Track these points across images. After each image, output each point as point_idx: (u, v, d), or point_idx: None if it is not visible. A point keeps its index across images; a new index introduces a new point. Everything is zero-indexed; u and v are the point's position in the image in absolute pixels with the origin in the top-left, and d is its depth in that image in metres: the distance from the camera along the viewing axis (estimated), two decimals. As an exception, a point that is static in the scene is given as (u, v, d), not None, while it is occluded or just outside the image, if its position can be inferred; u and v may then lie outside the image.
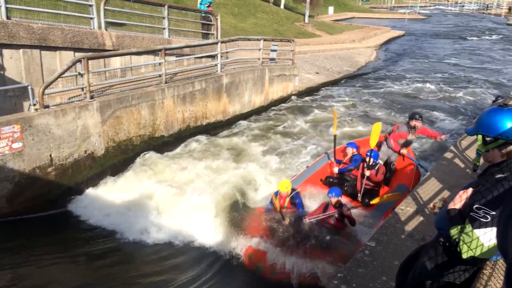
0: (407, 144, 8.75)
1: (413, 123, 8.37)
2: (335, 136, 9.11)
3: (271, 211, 7.10)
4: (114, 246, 7.37)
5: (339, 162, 8.63)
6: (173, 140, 10.98)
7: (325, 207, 6.90)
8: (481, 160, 7.31)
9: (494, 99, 13.29)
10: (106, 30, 10.70)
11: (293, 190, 7.24)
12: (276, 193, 7.19)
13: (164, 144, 10.71)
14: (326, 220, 6.74)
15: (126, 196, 8.53)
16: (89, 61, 8.66)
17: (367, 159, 7.93)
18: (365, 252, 4.97)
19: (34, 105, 7.75)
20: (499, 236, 0.86)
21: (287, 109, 15.01)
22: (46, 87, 7.89)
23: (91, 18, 10.45)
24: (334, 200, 6.76)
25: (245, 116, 13.70)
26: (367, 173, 7.76)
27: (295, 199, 7.14)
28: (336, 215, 6.72)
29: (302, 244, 6.35)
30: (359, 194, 7.85)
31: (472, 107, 16.34)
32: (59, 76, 8.18)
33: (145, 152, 9.95)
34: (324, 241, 6.40)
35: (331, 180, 8.32)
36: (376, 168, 7.88)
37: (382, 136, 8.86)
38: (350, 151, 8.55)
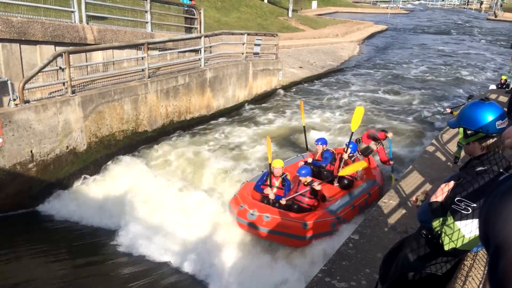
0: (365, 150, 8.71)
1: (380, 135, 8.53)
2: (304, 127, 9.47)
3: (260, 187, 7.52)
4: (96, 243, 7.32)
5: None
6: (157, 135, 10.90)
7: (298, 185, 7.29)
8: (462, 153, 7.46)
9: (467, 98, 13.56)
10: (87, 24, 10.54)
11: (283, 173, 7.56)
12: (267, 173, 7.53)
13: (148, 139, 10.63)
14: (300, 199, 7.16)
15: (108, 192, 8.46)
16: (71, 55, 8.54)
17: (345, 148, 8.15)
18: (349, 245, 5.03)
19: (14, 100, 7.61)
20: (480, 227, 0.88)
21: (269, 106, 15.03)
22: (26, 82, 7.75)
23: (72, 12, 10.27)
24: (303, 179, 7.18)
25: (229, 110, 13.68)
26: (345, 156, 7.99)
27: (285, 181, 7.49)
28: (308, 193, 7.14)
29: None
30: (335, 180, 7.99)
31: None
32: (39, 71, 8.05)
33: (129, 147, 9.87)
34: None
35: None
36: (352, 159, 8.17)
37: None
38: (320, 148, 8.65)
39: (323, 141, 8.75)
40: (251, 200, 7.15)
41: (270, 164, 7.46)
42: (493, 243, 0.77)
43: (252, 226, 6.71)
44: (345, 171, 7.73)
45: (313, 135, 11.10)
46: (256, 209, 6.74)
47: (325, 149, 8.62)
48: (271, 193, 7.22)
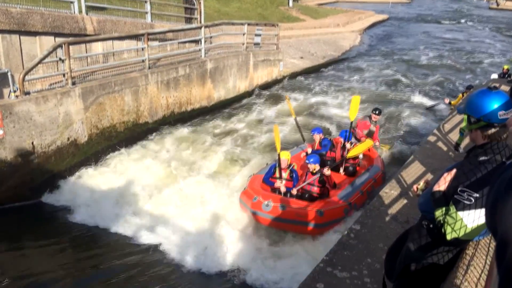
0: (370, 134, 9.13)
1: (373, 117, 9.16)
2: (295, 119, 9.70)
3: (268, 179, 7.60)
4: (98, 234, 7.32)
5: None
6: (158, 127, 10.89)
7: (306, 175, 7.37)
8: (465, 142, 7.43)
9: (466, 88, 13.50)
10: (87, 14, 10.46)
11: (290, 164, 7.66)
12: (274, 165, 7.62)
13: (149, 130, 10.62)
14: (310, 188, 7.25)
15: (110, 183, 8.45)
16: (70, 46, 8.50)
17: (346, 134, 8.46)
18: (350, 235, 5.03)
19: (15, 91, 7.58)
20: (487, 214, 0.87)
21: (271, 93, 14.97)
22: (26, 73, 7.72)
23: (71, 2, 10.18)
24: (311, 166, 7.25)
25: (230, 101, 13.64)
26: (348, 145, 8.26)
27: (293, 173, 7.57)
28: (316, 181, 7.22)
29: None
30: (341, 168, 8.21)
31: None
32: (39, 62, 8.01)
33: (130, 139, 9.86)
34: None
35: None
36: (352, 146, 8.36)
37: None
38: (318, 137, 8.77)
39: (318, 130, 8.92)
40: (264, 191, 7.16)
41: (278, 155, 7.50)
42: (499, 231, 0.77)
43: (268, 217, 6.71)
44: (354, 152, 7.98)
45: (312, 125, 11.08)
46: (271, 200, 6.76)
47: (322, 138, 8.78)
48: (282, 185, 7.25)
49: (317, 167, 7.30)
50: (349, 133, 8.38)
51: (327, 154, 8.52)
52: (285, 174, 7.46)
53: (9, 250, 6.79)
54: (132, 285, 6.15)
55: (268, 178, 7.54)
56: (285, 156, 7.51)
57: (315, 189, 7.23)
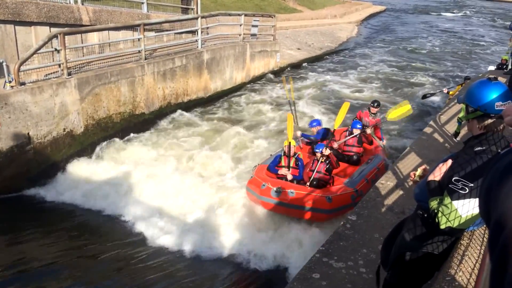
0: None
1: (371, 109, 9.29)
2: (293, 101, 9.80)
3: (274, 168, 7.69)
4: (94, 224, 7.34)
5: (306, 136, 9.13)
6: (154, 117, 10.86)
7: (312, 163, 7.53)
8: (463, 131, 7.45)
9: (463, 79, 13.51)
10: (82, 4, 10.38)
11: (295, 153, 7.77)
12: (280, 155, 7.70)
13: (145, 121, 10.59)
14: (317, 175, 7.39)
15: (106, 174, 8.44)
16: (66, 36, 8.44)
17: (348, 128, 8.71)
18: (346, 226, 5.05)
19: (10, 82, 7.54)
20: (481, 201, 0.87)
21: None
22: (21, 64, 7.68)
23: (67, -8, 10.12)
24: (319, 155, 7.44)
25: (226, 92, 13.61)
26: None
27: (299, 161, 7.67)
28: (323, 169, 7.44)
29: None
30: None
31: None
32: (34, 52, 7.96)
33: (127, 130, 9.84)
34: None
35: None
36: (358, 136, 8.58)
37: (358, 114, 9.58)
38: (315, 130, 8.94)
39: (317, 122, 9.08)
40: (271, 179, 7.25)
41: (289, 143, 7.59)
42: (494, 216, 0.77)
43: (277, 204, 6.79)
44: (393, 114, 8.38)
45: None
46: (280, 186, 6.82)
47: (319, 129, 8.88)
48: (288, 173, 7.33)
49: (326, 151, 7.49)
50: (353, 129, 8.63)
51: (318, 141, 8.65)
52: (291, 162, 7.54)
53: (5, 240, 6.79)
54: (129, 274, 6.17)
55: (274, 166, 7.61)
56: (293, 143, 7.68)
57: (322, 176, 7.40)
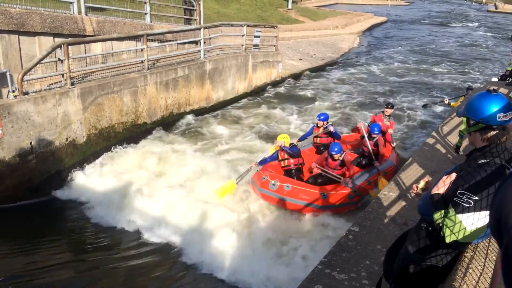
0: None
1: (385, 111, 9.42)
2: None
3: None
4: (97, 234, 7.31)
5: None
6: (156, 127, 10.88)
7: (326, 160, 7.91)
8: (465, 143, 7.43)
9: (466, 90, 13.53)
10: (86, 15, 10.46)
11: (292, 144, 8.12)
12: (277, 153, 8.08)
13: (147, 131, 10.61)
14: (331, 171, 7.80)
15: (108, 183, 8.44)
16: (69, 46, 8.49)
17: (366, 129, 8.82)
18: (349, 237, 5.03)
19: (13, 91, 7.57)
20: (491, 220, 0.86)
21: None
22: (25, 74, 7.71)
23: (71, 3, 10.18)
24: (336, 156, 7.69)
25: (228, 102, 13.64)
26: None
27: (289, 149, 7.99)
28: (338, 166, 7.81)
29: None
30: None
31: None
32: (38, 62, 8.00)
33: (129, 139, 9.86)
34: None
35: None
36: (375, 140, 8.62)
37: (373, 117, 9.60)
38: (321, 123, 8.97)
39: (325, 116, 9.07)
40: (273, 173, 7.69)
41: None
42: (507, 238, 0.76)
43: (274, 196, 7.20)
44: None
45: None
46: (277, 179, 7.29)
47: (325, 125, 8.89)
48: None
49: (341, 156, 7.75)
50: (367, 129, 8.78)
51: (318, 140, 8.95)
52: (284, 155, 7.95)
53: (9, 249, 6.77)
54: (133, 283, 6.15)
55: (268, 161, 8.05)
56: (284, 139, 7.93)
57: (336, 172, 7.73)
